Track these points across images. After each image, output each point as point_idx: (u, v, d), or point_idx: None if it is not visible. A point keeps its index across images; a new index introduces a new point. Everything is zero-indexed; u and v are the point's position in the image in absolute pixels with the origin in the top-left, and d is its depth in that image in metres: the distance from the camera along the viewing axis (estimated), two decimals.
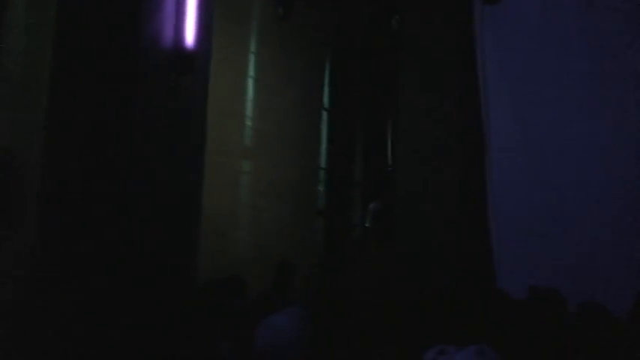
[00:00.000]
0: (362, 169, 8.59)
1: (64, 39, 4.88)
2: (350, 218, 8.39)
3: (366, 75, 8.70)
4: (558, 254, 6.18)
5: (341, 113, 8.68)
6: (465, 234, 6.73)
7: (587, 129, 6.21)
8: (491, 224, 6.46)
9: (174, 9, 5.21)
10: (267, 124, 7.68)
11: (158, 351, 4.18)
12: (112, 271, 4.51)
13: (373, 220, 7.88)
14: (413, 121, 7.18)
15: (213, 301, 4.43)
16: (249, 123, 7.52)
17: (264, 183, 7.60)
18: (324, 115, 8.69)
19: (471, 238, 6.68)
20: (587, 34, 6.33)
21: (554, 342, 3.89)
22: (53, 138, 4.78)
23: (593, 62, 6.23)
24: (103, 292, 4.45)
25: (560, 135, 6.30)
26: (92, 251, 4.53)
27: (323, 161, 8.60)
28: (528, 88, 6.51)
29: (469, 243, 6.67)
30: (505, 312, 4.05)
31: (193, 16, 5.28)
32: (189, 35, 5.26)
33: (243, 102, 7.48)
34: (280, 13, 7.65)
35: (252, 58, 7.61)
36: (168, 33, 5.17)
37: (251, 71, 7.60)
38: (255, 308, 5.02)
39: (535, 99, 6.47)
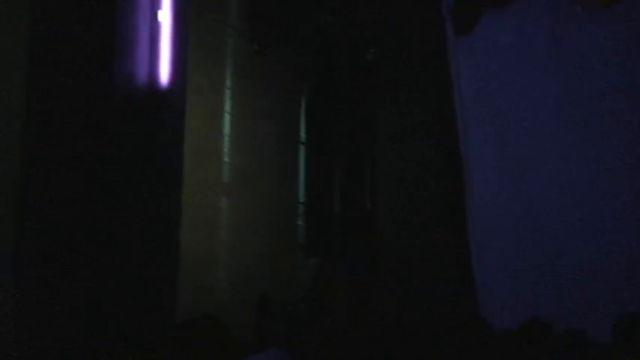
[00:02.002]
0: (341, 203, 8.56)
1: (36, 80, 4.83)
2: (330, 252, 8.33)
3: (342, 108, 8.73)
4: (540, 283, 6.17)
5: (318, 147, 8.68)
6: (446, 264, 6.72)
7: (567, 150, 6.25)
8: (472, 254, 6.45)
9: (148, 48, 5.21)
10: (244, 159, 7.65)
11: None
12: (88, 312, 4.41)
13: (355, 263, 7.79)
14: (391, 152, 7.20)
15: (188, 342, 4.31)
16: (226, 159, 7.48)
17: (242, 218, 7.53)
18: (302, 148, 8.69)
19: (452, 267, 6.66)
20: (557, 56, 6.42)
21: None
22: (27, 180, 4.70)
23: (566, 84, 6.30)
24: (80, 335, 4.35)
25: (538, 157, 6.34)
26: (68, 294, 4.43)
27: (302, 195, 8.56)
28: (504, 112, 6.57)
29: (451, 273, 6.65)
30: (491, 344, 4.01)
31: (167, 53, 5.28)
32: (164, 73, 5.25)
33: (220, 138, 7.45)
34: (255, 48, 7.67)
35: (227, 94, 7.61)
36: (142, 71, 5.15)
37: (227, 107, 7.58)
38: (233, 348, 4.91)
39: (512, 122, 6.53)
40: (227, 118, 7.56)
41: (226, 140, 7.51)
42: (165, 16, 5.27)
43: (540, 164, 6.33)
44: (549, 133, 6.33)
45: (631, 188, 5.87)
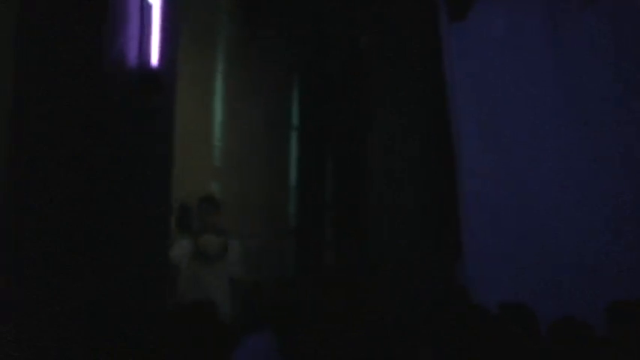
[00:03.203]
0: (332, 189, 8.50)
1: (24, 64, 4.67)
2: (322, 238, 8.28)
3: (335, 94, 8.63)
4: (540, 283, 6.15)
5: (310, 132, 8.60)
6: (446, 264, 6.70)
7: (567, 149, 6.23)
8: (467, 252, 6.43)
9: (138, 29, 5.06)
10: (235, 144, 7.57)
11: None
12: (88, 312, 4.34)
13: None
14: (384, 140, 7.15)
15: (182, 328, 4.28)
16: (217, 143, 7.41)
17: (233, 204, 7.46)
18: (294, 134, 8.60)
19: (452, 267, 6.64)
20: (553, 47, 6.36)
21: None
22: (17, 169, 4.57)
23: (565, 82, 6.26)
24: (80, 335, 4.27)
25: (537, 155, 6.31)
26: (68, 294, 4.34)
27: (293, 181, 8.50)
28: (501, 109, 6.52)
29: (451, 272, 6.63)
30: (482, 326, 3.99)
31: (158, 36, 5.14)
32: (154, 55, 5.12)
33: (211, 122, 7.37)
34: (248, 33, 7.57)
35: (219, 78, 7.51)
36: (132, 53, 5.01)
37: (219, 91, 7.49)
38: (226, 333, 4.87)
39: (509, 119, 6.48)
40: (218, 102, 7.48)
41: (217, 124, 7.43)
42: None
43: (539, 163, 6.30)
44: (549, 131, 6.30)
45: (631, 188, 5.87)
